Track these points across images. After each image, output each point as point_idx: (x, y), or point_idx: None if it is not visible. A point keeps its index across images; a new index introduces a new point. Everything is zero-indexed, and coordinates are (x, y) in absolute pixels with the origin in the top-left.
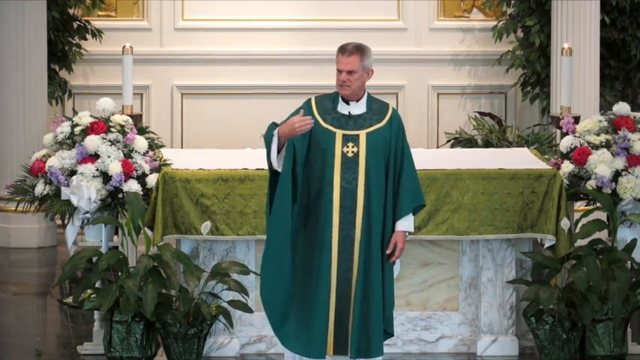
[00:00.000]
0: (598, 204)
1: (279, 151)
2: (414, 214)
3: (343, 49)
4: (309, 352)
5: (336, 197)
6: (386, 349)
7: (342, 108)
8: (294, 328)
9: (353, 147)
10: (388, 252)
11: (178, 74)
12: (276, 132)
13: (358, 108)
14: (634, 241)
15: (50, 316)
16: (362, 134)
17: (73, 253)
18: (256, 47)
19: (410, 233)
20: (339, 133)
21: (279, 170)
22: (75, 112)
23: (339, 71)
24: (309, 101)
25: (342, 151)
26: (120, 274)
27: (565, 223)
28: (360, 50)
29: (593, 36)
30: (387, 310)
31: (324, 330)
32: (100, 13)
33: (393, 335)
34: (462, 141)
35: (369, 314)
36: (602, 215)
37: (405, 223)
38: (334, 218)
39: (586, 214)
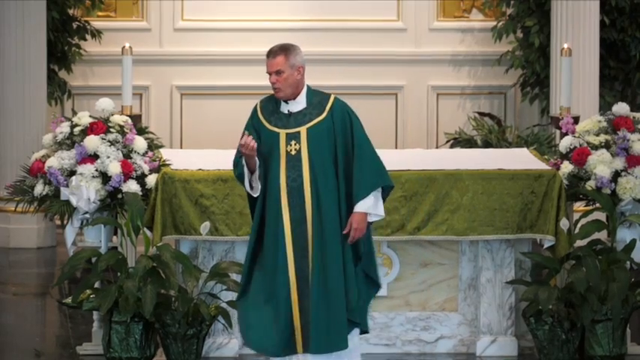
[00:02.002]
0: (597, 204)
1: (252, 173)
2: (385, 197)
3: (269, 53)
4: (271, 351)
5: (284, 196)
6: (385, 350)
7: (283, 107)
8: (264, 329)
9: (295, 144)
10: (344, 232)
11: (178, 74)
12: (243, 163)
13: (297, 105)
14: (633, 242)
15: (49, 317)
16: (302, 130)
17: (72, 254)
18: (256, 48)
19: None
20: (282, 133)
21: (254, 195)
22: (74, 113)
23: (269, 74)
24: (256, 106)
25: (286, 150)
26: (119, 274)
27: (564, 224)
28: (284, 49)
29: (593, 36)
30: (352, 302)
31: (290, 330)
32: (100, 13)
33: (360, 325)
34: (461, 141)
35: (329, 308)
36: (601, 216)
37: (363, 205)
38: (284, 217)
39: (585, 214)
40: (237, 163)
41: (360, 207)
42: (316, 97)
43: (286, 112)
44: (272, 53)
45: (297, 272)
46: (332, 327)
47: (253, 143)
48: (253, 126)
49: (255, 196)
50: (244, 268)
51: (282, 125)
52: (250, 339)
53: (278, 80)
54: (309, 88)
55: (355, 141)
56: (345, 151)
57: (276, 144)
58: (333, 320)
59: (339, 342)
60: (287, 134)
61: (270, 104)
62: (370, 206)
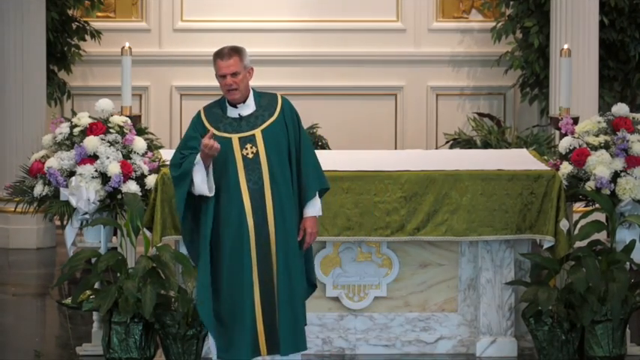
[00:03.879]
0: (597, 205)
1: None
2: (320, 197)
3: (221, 54)
4: (236, 356)
5: (246, 200)
6: (384, 350)
7: (232, 112)
8: (225, 334)
9: (252, 147)
10: (299, 239)
11: (177, 75)
12: (198, 158)
13: (247, 108)
14: (633, 242)
15: (49, 317)
16: (257, 133)
17: (71, 254)
18: (255, 48)
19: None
20: (234, 138)
21: (211, 194)
22: (74, 113)
23: (223, 76)
24: (198, 114)
25: (242, 154)
26: (119, 275)
27: (564, 224)
28: (237, 51)
29: (592, 37)
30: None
31: (254, 332)
32: (99, 14)
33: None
34: (460, 142)
35: (295, 310)
36: (601, 216)
37: (313, 209)
38: (249, 221)
39: (585, 215)
40: (179, 163)
41: (311, 211)
42: (264, 99)
43: (237, 116)
44: (225, 55)
45: (259, 275)
46: (296, 328)
47: (217, 146)
48: (199, 134)
49: (210, 195)
50: (203, 278)
51: (233, 130)
52: (222, 347)
53: (235, 82)
54: (254, 90)
55: (302, 143)
56: (295, 150)
57: (230, 149)
58: (297, 322)
59: (303, 343)
60: (240, 138)
61: (215, 111)
62: (318, 209)
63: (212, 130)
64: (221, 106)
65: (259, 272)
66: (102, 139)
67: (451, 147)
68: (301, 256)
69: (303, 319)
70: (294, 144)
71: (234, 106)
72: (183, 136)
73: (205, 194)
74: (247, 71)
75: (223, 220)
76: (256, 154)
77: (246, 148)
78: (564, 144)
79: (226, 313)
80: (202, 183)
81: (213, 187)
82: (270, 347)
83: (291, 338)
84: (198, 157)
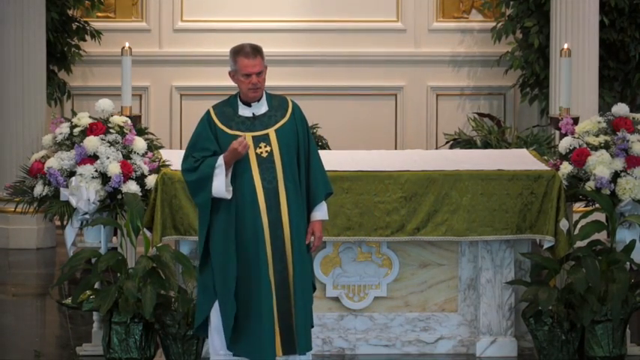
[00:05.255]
0: (597, 205)
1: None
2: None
3: (246, 53)
4: (261, 357)
5: (261, 199)
6: (384, 350)
7: (244, 111)
8: (243, 334)
9: (266, 146)
10: (307, 242)
11: (177, 75)
12: (221, 161)
13: (260, 107)
14: (633, 242)
15: (49, 317)
16: (271, 132)
17: (72, 254)
18: None
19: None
20: (248, 136)
21: (229, 197)
22: (74, 113)
23: (248, 75)
24: (208, 113)
25: (256, 153)
26: (119, 275)
27: (564, 224)
28: (259, 50)
29: (592, 37)
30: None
31: (272, 333)
32: (99, 14)
33: (313, 327)
34: (460, 142)
35: (308, 309)
36: (601, 216)
37: (321, 213)
38: (263, 220)
39: (585, 215)
40: (193, 167)
41: (319, 215)
42: (275, 100)
43: (250, 115)
44: (250, 54)
45: (275, 275)
46: (307, 327)
47: (247, 143)
48: (211, 132)
49: (228, 197)
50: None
51: (246, 128)
52: (242, 349)
53: (259, 81)
54: (265, 91)
55: (310, 147)
56: (304, 152)
57: None
58: (309, 321)
59: (310, 342)
60: (254, 137)
61: (226, 109)
62: (325, 213)
63: (223, 128)
64: (231, 104)
65: (275, 271)
66: (102, 139)
67: (451, 147)
68: (309, 256)
69: (312, 319)
70: (304, 147)
71: (248, 104)
72: (192, 136)
73: (224, 197)
74: (266, 70)
75: (238, 219)
76: (270, 153)
77: (260, 147)
78: (564, 144)
79: (241, 312)
80: (220, 186)
81: (231, 189)
82: (286, 348)
83: (306, 337)
84: (220, 160)
